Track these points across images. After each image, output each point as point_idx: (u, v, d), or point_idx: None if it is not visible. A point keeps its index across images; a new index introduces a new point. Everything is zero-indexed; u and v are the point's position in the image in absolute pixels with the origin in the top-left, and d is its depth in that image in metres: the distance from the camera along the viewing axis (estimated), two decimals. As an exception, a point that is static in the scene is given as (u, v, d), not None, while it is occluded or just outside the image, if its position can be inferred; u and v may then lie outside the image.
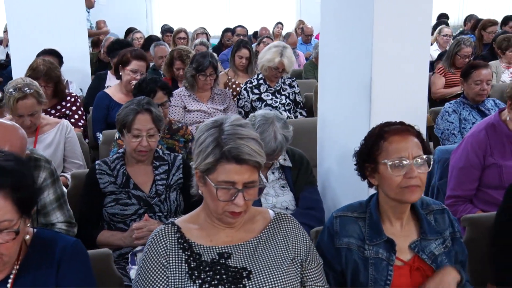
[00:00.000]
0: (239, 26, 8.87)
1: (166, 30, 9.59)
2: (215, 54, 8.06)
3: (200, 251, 1.95)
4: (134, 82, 4.32)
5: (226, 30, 9.26)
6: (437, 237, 2.22)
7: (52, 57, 5.15)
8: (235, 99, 5.20)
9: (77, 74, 5.71)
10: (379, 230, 2.20)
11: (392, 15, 2.86)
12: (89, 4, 8.77)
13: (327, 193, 3.48)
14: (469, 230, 2.58)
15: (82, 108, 4.64)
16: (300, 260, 2.02)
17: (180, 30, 8.46)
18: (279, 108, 5.05)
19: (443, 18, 11.28)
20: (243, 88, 5.16)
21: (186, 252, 1.94)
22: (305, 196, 3.18)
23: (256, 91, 5.08)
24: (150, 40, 7.42)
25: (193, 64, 4.85)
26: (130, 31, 9.27)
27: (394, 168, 2.12)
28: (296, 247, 2.03)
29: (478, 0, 13.56)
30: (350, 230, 2.22)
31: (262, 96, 5.07)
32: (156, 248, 1.95)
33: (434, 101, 5.91)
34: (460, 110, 4.42)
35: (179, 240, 1.96)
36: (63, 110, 4.48)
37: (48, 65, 4.31)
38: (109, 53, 6.23)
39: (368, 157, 2.21)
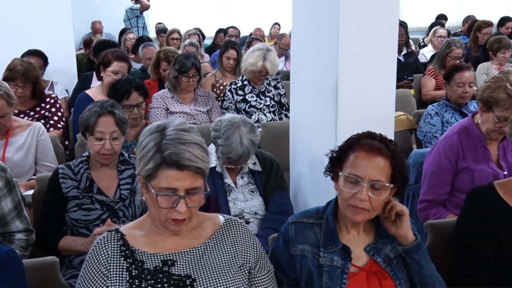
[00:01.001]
0: (232, 27, 8.82)
1: (160, 30, 9.58)
2: (206, 55, 8.10)
3: (144, 258, 1.90)
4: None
5: (220, 31, 9.22)
6: (393, 239, 2.16)
7: (36, 58, 5.13)
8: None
9: (62, 75, 5.67)
10: (335, 237, 2.14)
11: (358, 18, 2.81)
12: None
13: (299, 197, 3.43)
14: (431, 236, 2.51)
15: (62, 110, 4.58)
16: (248, 267, 1.98)
17: (173, 30, 8.45)
18: (264, 110, 5.00)
19: (441, 19, 11.20)
20: (227, 89, 5.10)
21: (128, 260, 1.89)
22: (274, 200, 3.13)
23: (240, 92, 5.03)
24: (141, 40, 7.39)
25: (176, 65, 4.81)
26: (124, 31, 9.26)
27: (347, 183, 2.08)
28: (245, 254, 1.99)
29: (477, 1, 13.44)
30: (305, 236, 2.16)
31: (247, 97, 5.02)
32: (96, 256, 1.90)
33: (425, 103, 5.85)
34: (443, 112, 4.36)
35: (122, 248, 1.91)
36: (42, 111, 4.41)
37: (26, 65, 4.24)
38: (95, 53, 6.18)
39: (337, 161, 2.16)
